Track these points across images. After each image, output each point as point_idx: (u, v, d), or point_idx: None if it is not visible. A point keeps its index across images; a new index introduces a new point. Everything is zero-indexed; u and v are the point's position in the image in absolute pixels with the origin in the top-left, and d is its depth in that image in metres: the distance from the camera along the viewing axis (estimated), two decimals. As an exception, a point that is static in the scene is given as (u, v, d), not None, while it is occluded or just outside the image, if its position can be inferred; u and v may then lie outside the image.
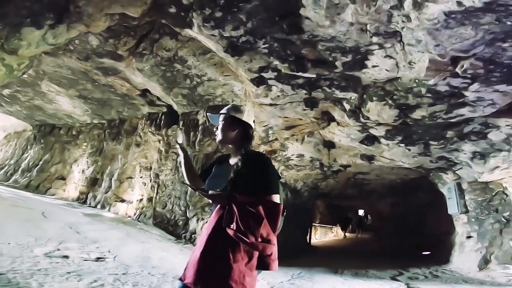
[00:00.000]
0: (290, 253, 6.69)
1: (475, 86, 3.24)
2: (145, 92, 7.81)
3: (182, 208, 6.60)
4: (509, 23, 2.43)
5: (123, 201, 7.65)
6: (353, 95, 4.27)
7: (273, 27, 3.23)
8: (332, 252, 8.87)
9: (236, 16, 3.17)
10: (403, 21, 2.67)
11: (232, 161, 1.46)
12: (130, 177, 7.97)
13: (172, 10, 3.33)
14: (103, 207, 7.79)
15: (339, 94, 4.32)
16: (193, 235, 6.17)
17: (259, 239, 1.17)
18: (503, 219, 5.06)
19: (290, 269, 5.28)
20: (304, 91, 4.44)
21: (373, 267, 5.73)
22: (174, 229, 6.44)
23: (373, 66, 3.48)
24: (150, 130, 7.99)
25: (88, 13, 3.42)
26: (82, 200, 8.46)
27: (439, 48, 2.83)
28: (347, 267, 5.72)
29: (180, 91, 7.03)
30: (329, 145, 5.85)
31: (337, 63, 3.58)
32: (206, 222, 6.04)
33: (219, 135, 1.49)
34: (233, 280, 1.14)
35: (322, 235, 11.28)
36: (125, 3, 3.31)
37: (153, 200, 7.04)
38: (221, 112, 1.54)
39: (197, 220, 6.30)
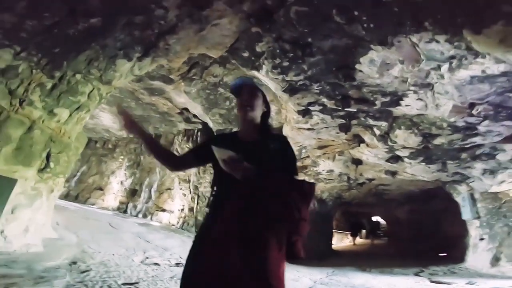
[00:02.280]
0: (318, 255, 7.50)
1: (486, 122, 4.12)
2: (183, 110, 8.67)
3: (223, 217, 7.40)
4: (515, 81, 3.29)
5: (164, 210, 8.44)
6: (383, 123, 5.12)
7: (329, 75, 4.08)
8: (354, 255, 9.65)
9: (300, 66, 4.01)
10: (437, 78, 3.53)
11: (249, 138, 1.30)
12: (169, 188, 8.78)
13: (245, 54, 4.10)
14: (144, 216, 8.58)
15: (371, 122, 5.16)
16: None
17: (300, 219, 1.07)
18: (510, 223, 5.92)
19: (324, 268, 6.09)
20: (342, 120, 5.28)
21: (396, 266, 6.53)
22: (217, 236, 7.23)
23: (406, 105, 4.34)
24: (187, 146, 8.82)
25: (176, 50, 4.02)
26: (122, 209, 9.25)
27: (462, 98, 3.70)
28: (373, 266, 6.52)
29: (219, 111, 7.87)
30: (357, 162, 6.68)
31: (377, 102, 4.44)
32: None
33: (252, 106, 1.32)
34: (270, 270, 1.00)
35: (339, 241, 12.05)
36: (209, 46, 4.05)
37: (194, 210, 7.84)
38: (256, 85, 1.42)
39: (238, 228, 7.09)
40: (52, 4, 3.03)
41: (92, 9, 3.22)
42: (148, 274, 3.33)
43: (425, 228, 8.66)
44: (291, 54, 3.72)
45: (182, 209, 8.05)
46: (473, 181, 6.12)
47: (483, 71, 3.14)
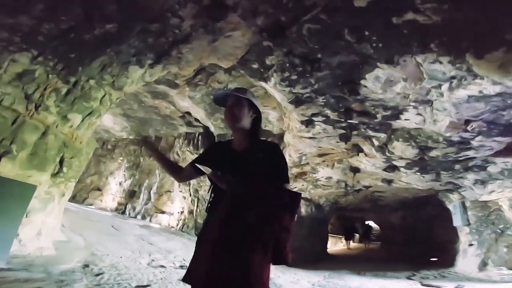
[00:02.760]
0: (315, 259, 7.68)
1: (479, 137, 4.36)
2: (185, 114, 8.75)
3: (223, 220, 7.50)
4: (509, 101, 3.52)
5: (163, 212, 8.49)
6: (382, 135, 5.31)
7: (335, 89, 4.26)
8: (349, 258, 9.87)
9: (307, 80, 4.17)
10: (437, 96, 3.73)
11: (240, 147, 1.35)
12: (169, 191, 8.83)
13: (255, 66, 4.21)
14: (143, 217, 8.61)
15: (371, 133, 5.35)
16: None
17: (282, 228, 1.12)
18: (498, 230, 6.23)
19: (321, 271, 6.27)
20: (343, 130, 5.47)
21: (390, 270, 6.77)
22: (216, 239, 7.33)
23: (405, 119, 4.55)
24: (188, 149, 8.90)
25: (188, 59, 4.08)
26: (120, 210, 9.25)
27: (458, 114, 3.92)
28: (367, 269, 6.74)
29: (221, 116, 7.95)
30: (355, 170, 6.88)
31: (378, 115, 4.63)
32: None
33: (237, 117, 1.35)
34: (253, 274, 1.06)
35: (333, 245, 12.29)
36: (221, 56, 4.16)
37: (194, 212, 7.92)
38: (240, 94, 1.41)
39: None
40: (69, 8, 3.03)
41: (108, 15, 3.24)
42: (156, 276, 3.43)
43: (417, 233, 8.96)
44: (300, 69, 3.88)
45: (182, 212, 8.12)
46: (464, 190, 6.40)
47: (480, 91, 3.36)
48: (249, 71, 4.39)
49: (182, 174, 1.52)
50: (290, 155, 6.87)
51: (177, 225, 7.92)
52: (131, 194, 9.46)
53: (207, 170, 1.19)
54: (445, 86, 3.49)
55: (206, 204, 1.33)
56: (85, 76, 3.66)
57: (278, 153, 1.33)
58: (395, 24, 2.89)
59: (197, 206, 8.00)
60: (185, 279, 1.15)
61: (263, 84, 4.62)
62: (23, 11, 2.88)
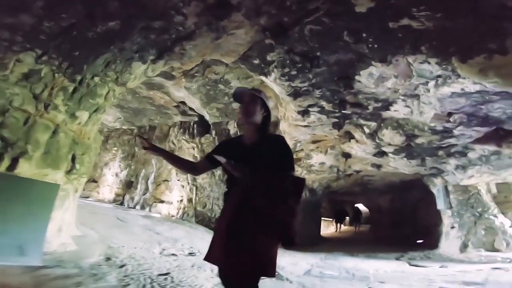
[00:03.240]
0: (310, 241, 8.22)
1: (460, 127, 4.79)
2: (179, 104, 8.78)
3: (221, 207, 7.81)
4: (487, 97, 3.89)
5: (162, 202, 8.71)
6: (373, 123, 5.67)
7: (331, 83, 4.50)
8: (341, 241, 10.53)
9: (306, 75, 4.38)
10: (424, 91, 4.06)
11: (249, 141, 1.49)
12: (166, 180, 9.00)
13: (256, 61, 4.37)
14: (142, 207, 8.81)
15: (362, 122, 5.69)
16: (234, 230, 7.44)
17: (288, 212, 1.25)
18: (477, 213, 6.86)
19: (317, 253, 6.77)
20: (336, 119, 5.77)
21: (380, 252, 7.37)
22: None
23: (395, 110, 4.89)
24: (184, 138, 9.01)
25: (190, 55, 4.17)
26: (118, 201, 9.38)
27: (442, 108, 4.28)
28: (359, 251, 7.31)
29: (216, 105, 8.09)
30: (347, 155, 7.28)
31: (370, 107, 4.94)
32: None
33: (251, 113, 1.49)
34: (264, 254, 1.19)
35: (325, 228, 12.96)
36: (223, 53, 4.26)
37: (193, 201, 8.19)
38: (255, 92, 1.56)
39: (236, 217, 7.56)
40: (70, 5, 3.04)
41: (111, 12, 3.24)
42: (172, 264, 3.71)
43: (404, 216, 9.61)
44: (300, 65, 4.07)
45: (181, 200, 8.37)
46: (447, 175, 6.95)
47: (462, 89, 3.70)
48: (249, 66, 4.53)
49: (197, 168, 1.66)
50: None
51: (177, 213, 8.18)
52: (128, 185, 9.57)
53: (222, 159, 1.31)
54: (431, 83, 3.80)
55: (224, 194, 1.47)
56: (89, 74, 3.70)
57: (284, 144, 1.45)
58: (391, 28, 3.12)
59: (196, 194, 8.26)
60: (206, 258, 1.30)
61: (263, 78, 4.78)
62: (23, 9, 2.87)
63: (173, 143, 9.28)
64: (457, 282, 4.07)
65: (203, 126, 9.15)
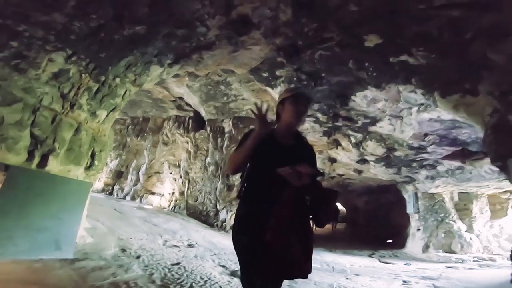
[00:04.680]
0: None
1: (433, 146, 5.56)
2: (177, 98, 8.92)
3: (213, 202, 8.20)
4: (457, 124, 4.61)
5: (153, 193, 8.90)
6: (359, 135, 6.33)
7: (329, 99, 5.02)
8: (321, 238, 11.32)
9: (310, 91, 4.85)
10: (407, 114, 4.71)
11: (286, 141, 1.45)
12: (158, 172, 9.19)
13: (265, 74, 4.80)
14: (133, 198, 8.95)
15: (350, 133, 6.33)
16: (223, 224, 7.88)
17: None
18: (439, 218, 7.86)
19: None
20: (327, 129, 6.36)
21: (355, 249, 8.20)
22: (206, 219, 8.04)
23: (380, 126, 5.55)
24: (178, 132, 9.20)
25: (206, 63, 4.47)
26: (108, 191, 9.42)
27: (420, 129, 4.99)
28: (337, 248, 8.08)
29: (214, 103, 8.35)
30: (332, 160, 7.95)
31: (359, 121, 5.55)
32: (234, 213, 7.76)
33: (303, 117, 1.51)
34: (311, 244, 1.34)
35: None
36: (237, 64, 4.59)
37: (185, 194, 8.48)
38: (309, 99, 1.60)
39: (227, 212, 7.99)
40: (100, 6, 3.10)
41: (139, 17, 3.34)
42: (178, 255, 4.09)
43: (378, 217, 10.57)
44: (305, 82, 4.54)
45: (173, 193, 8.63)
46: (418, 183, 7.87)
47: (438, 116, 4.41)
48: (258, 77, 4.93)
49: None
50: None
51: (169, 206, 8.44)
52: (118, 175, 9.61)
53: (286, 170, 1.25)
54: (414, 109, 4.46)
55: (239, 190, 1.40)
56: (112, 75, 3.90)
57: (312, 148, 1.54)
58: (391, 61, 3.65)
59: (188, 188, 8.56)
60: (255, 267, 1.23)
61: (268, 89, 5.20)
62: (57, 7, 2.93)
63: (167, 136, 9.43)
64: (417, 277, 4.84)
65: (198, 122, 9.37)
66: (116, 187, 9.41)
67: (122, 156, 9.84)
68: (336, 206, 1.57)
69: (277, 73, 4.56)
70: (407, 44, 3.37)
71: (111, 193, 9.31)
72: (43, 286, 2.02)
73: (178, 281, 2.74)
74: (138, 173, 9.36)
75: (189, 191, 8.47)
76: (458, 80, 3.39)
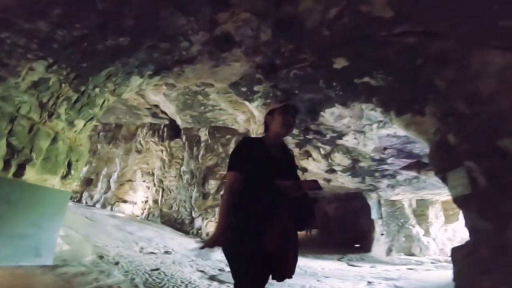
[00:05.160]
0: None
1: (392, 158, 6.21)
2: (152, 106, 8.88)
3: (188, 210, 8.22)
4: (411, 139, 5.25)
5: (125, 201, 8.68)
6: (328, 147, 6.84)
7: (301, 114, 5.40)
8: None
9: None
10: (369, 130, 5.26)
11: (276, 152, 1.54)
12: (131, 180, 8.99)
13: (244, 89, 5.05)
14: (103, 206, 8.64)
15: (320, 145, 6.83)
16: (199, 231, 7.93)
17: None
18: (400, 223, 8.61)
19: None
20: (299, 141, 6.80)
21: (326, 253, 8.65)
22: (181, 226, 8.04)
23: (346, 140, 6.09)
24: (152, 140, 9.12)
25: (187, 77, 4.59)
26: (76, 198, 8.98)
27: (380, 143, 5.59)
28: (309, 253, 8.48)
29: (191, 113, 8.48)
30: (304, 169, 8.42)
31: (327, 135, 6.05)
32: (210, 221, 7.87)
33: (291, 128, 1.63)
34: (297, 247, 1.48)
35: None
36: (217, 79, 4.79)
37: (159, 202, 8.40)
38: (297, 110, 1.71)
39: (202, 219, 8.06)
40: (85, 16, 3.08)
41: (123, 28, 3.35)
42: (156, 261, 4.15)
43: (347, 222, 11.21)
44: (280, 98, 4.90)
45: (146, 201, 8.49)
46: (380, 191, 8.61)
47: (395, 132, 5.01)
48: (236, 91, 5.21)
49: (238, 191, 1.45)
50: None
51: (142, 214, 8.28)
52: (88, 182, 9.23)
53: (284, 184, 1.38)
54: (375, 125, 5.03)
55: (243, 200, 1.39)
56: (91, 85, 3.93)
57: (294, 157, 1.71)
58: (355, 82, 4.12)
59: (162, 196, 8.48)
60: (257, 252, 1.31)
61: (246, 102, 5.50)
62: (41, 15, 2.90)
63: (140, 144, 9.30)
64: (380, 278, 5.33)
65: (173, 130, 9.37)
66: (85, 194, 9.01)
67: (92, 163, 9.47)
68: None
69: (255, 88, 4.88)
70: (369, 67, 3.83)
71: (79, 201, 8.90)
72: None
73: (159, 285, 2.86)
74: (109, 181, 9.07)
75: (163, 199, 8.40)
76: (410, 101, 3.93)
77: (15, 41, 3.01)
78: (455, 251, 3.04)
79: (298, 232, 1.55)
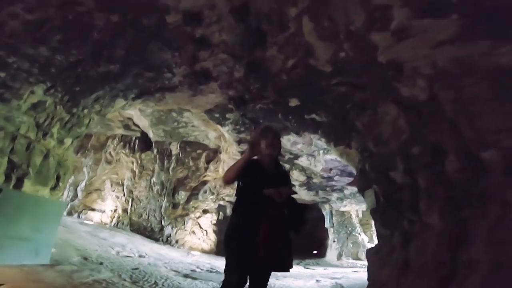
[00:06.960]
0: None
1: (337, 176, 7.53)
2: (125, 118, 9.21)
3: (158, 218, 8.64)
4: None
5: (93, 210, 8.80)
6: (287, 165, 7.94)
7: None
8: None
9: (250, 132, 6.19)
10: (317, 154, 6.47)
11: (269, 168, 1.88)
12: (99, 189, 9.14)
13: (217, 115, 5.90)
14: (70, 214, 8.66)
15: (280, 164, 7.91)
16: (168, 238, 8.37)
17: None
18: (348, 231, 9.95)
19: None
20: (264, 158, 7.81)
21: (282, 258, 9.61)
22: (151, 234, 8.41)
23: (301, 161, 7.26)
24: (123, 151, 9.41)
25: (167, 102, 5.28)
26: (37, 206, 8.82)
27: (326, 165, 6.83)
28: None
29: (164, 127, 8.97)
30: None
31: (286, 156, 7.14)
32: (179, 228, 8.38)
33: (276, 148, 1.97)
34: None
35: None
36: (194, 106, 5.54)
37: (128, 211, 8.70)
38: (279, 133, 2.12)
39: (172, 227, 8.53)
40: (82, 43, 3.43)
41: (115, 57, 3.77)
42: (134, 262, 4.69)
43: (306, 231, 12.32)
44: (247, 125, 5.86)
45: (115, 210, 8.72)
46: (332, 203, 9.94)
47: (336, 158, 6.21)
48: (210, 116, 6.06)
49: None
50: (223, 168, 8.76)
51: (111, 222, 8.49)
52: (52, 190, 9.14)
53: (269, 191, 1.73)
54: (321, 151, 6.26)
55: (237, 203, 1.86)
56: (82, 106, 4.46)
57: (288, 174, 2.11)
58: (305, 117, 5.20)
59: (131, 206, 8.79)
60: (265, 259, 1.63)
61: (218, 126, 6.37)
62: (44, 41, 3.21)
63: (110, 155, 9.52)
64: (327, 277, 6.42)
65: (145, 142, 9.71)
66: (49, 204, 8.90)
67: (58, 172, 9.41)
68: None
69: (227, 116, 5.78)
70: (315, 107, 4.88)
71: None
72: (46, 284, 2.60)
73: (144, 279, 3.50)
74: (76, 189, 9.12)
75: (133, 209, 8.72)
76: (342, 136, 5.11)
77: (20, 65, 3.37)
78: (368, 251, 4.16)
79: None
